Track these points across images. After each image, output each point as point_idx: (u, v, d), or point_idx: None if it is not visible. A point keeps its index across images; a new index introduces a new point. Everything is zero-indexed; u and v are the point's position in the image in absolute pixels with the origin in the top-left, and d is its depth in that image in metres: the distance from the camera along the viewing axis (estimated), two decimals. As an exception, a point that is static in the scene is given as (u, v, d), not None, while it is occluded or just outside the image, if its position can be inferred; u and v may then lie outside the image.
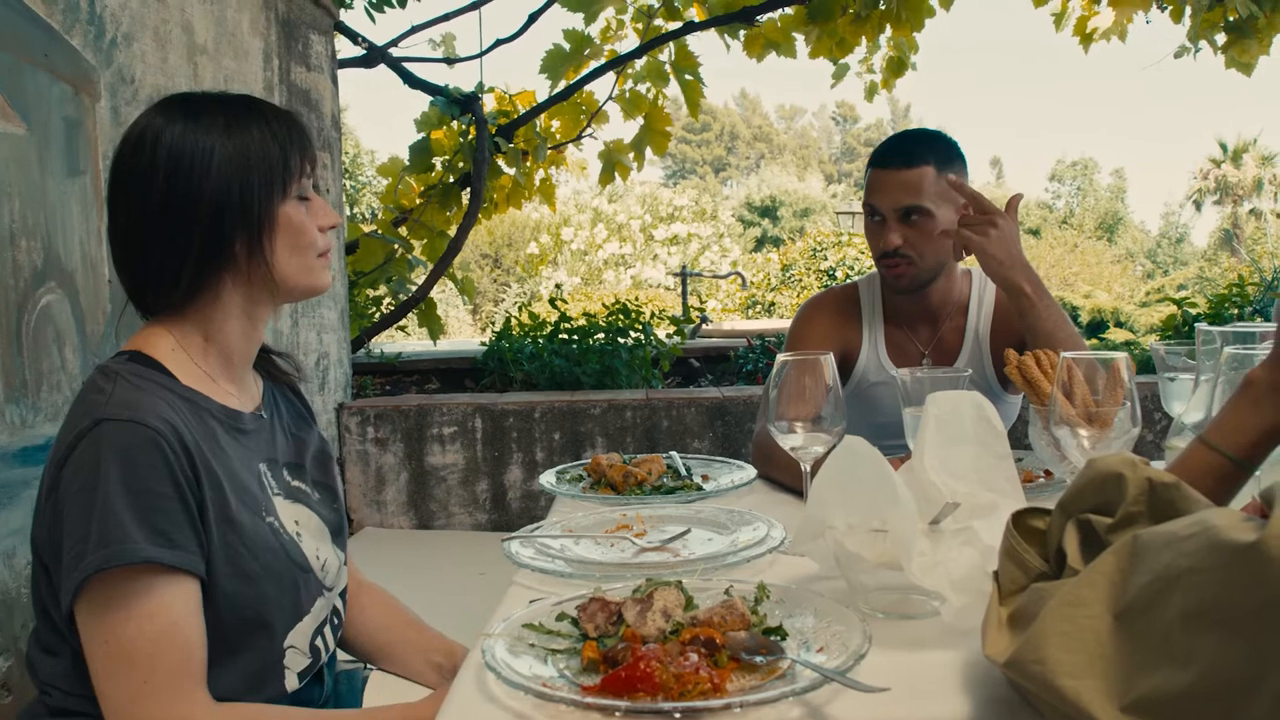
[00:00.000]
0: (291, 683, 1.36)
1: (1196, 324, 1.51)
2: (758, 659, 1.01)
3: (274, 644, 1.33)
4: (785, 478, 1.92)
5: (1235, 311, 5.64)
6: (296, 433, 1.50)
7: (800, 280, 16.89)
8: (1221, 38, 4.77)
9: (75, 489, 1.17)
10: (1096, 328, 10.71)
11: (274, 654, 1.33)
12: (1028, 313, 1.98)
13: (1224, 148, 36.69)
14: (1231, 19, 4.62)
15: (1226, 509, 0.80)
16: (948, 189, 2.13)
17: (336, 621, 1.48)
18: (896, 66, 5.71)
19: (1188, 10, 4.62)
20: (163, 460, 1.19)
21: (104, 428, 1.18)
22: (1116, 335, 9.80)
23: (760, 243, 32.32)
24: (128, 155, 1.29)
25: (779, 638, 1.08)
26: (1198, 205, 37.72)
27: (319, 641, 1.42)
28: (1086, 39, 5.16)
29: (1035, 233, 34.32)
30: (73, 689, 1.26)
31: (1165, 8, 4.70)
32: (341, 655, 1.62)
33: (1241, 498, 1.13)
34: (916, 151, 2.15)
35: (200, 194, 1.26)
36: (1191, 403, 1.43)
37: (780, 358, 1.52)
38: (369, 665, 1.65)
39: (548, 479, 1.93)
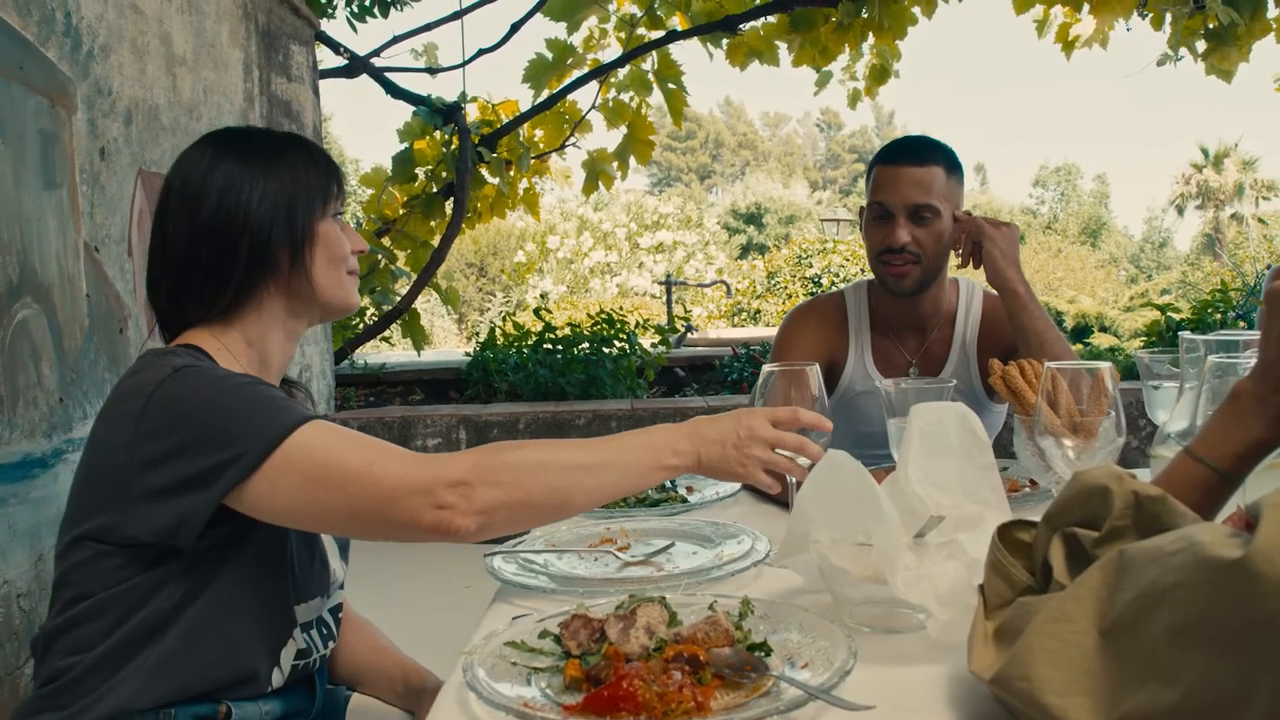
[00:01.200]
0: (287, 659, 1.39)
1: (1180, 332, 1.51)
2: (741, 676, 1.01)
3: (287, 607, 1.38)
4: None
5: (1218, 317, 5.67)
6: None
7: (785, 288, 16.92)
8: (1202, 45, 4.80)
9: (179, 414, 1.23)
10: (1081, 333, 10.76)
11: (287, 618, 1.38)
12: (1020, 313, 2.01)
13: (1205, 153, 36.95)
14: (1211, 26, 4.65)
15: (1212, 524, 0.80)
16: (952, 193, 2.16)
17: (326, 631, 1.49)
18: (879, 74, 5.72)
19: (1168, 18, 4.64)
20: (237, 374, 1.30)
21: (186, 372, 1.27)
22: (1101, 340, 9.85)
23: (745, 250, 32.37)
24: (179, 181, 1.41)
25: (763, 654, 1.07)
26: (1180, 210, 37.96)
27: (314, 635, 1.44)
28: (1069, 46, 5.18)
29: (1020, 238, 34.50)
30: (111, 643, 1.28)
31: (1146, 15, 4.72)
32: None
33: (1226, 508, 1.13)
34: (928, 151, 2.18)
35: (249, 210, 1.37)
36: (1176, 411, 1.43)
37: (766, 368, 1.51)
38: (350, 689, 1.65)
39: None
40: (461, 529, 1.19)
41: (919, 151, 2.18)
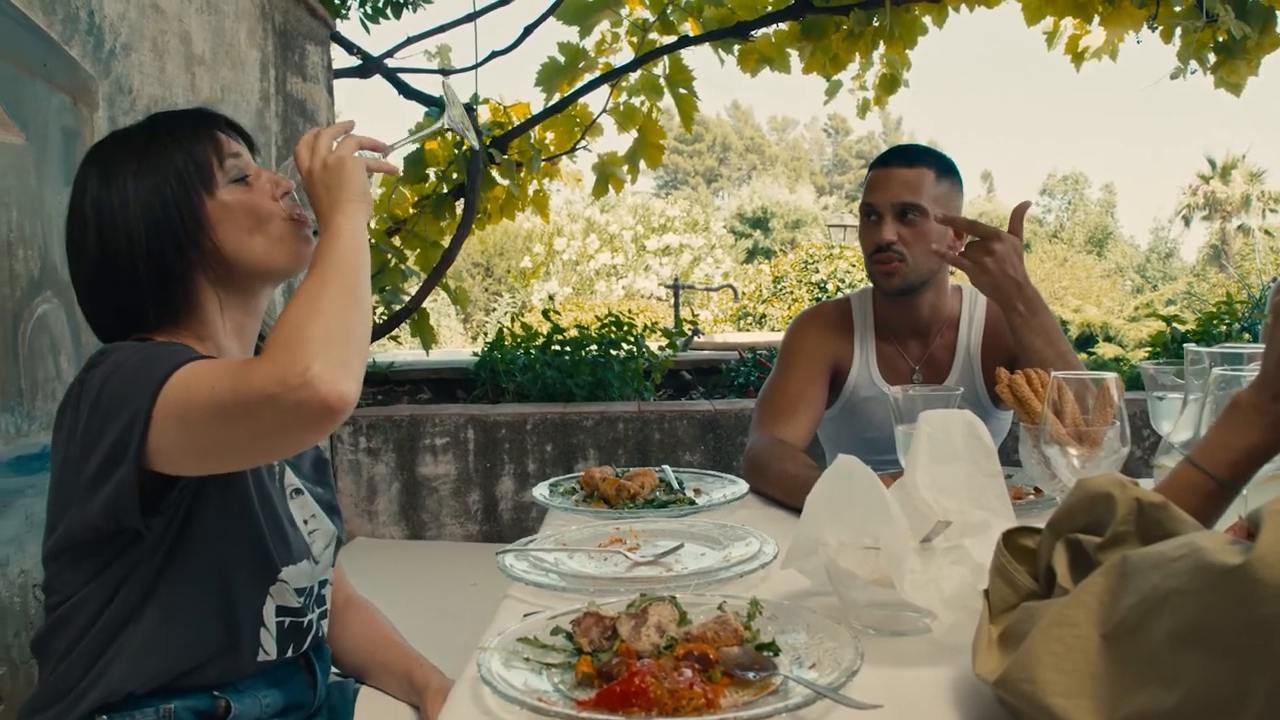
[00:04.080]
0: (270, 617, 1.39)
1: (1185, 344, 1.53)
2: (751, 675, 1.03)
3: (268, 566, 1.37)
4: (778, 492, 1.93)
5: (1224, 329, 5.67)
6: None
7: (791, 292, 16.93)
8: (1212, 58, 4.80)
9: (98, 390, 1.22)
10: (1086, 342, 10.74)
11: (267, 574, 1.37)
12: (1019, 330, 2.01)
13: (1213, 164, 36.87)
14: (1221, 40, 4.66)
15: (1213, 532, 0.82)
16: (943, 196, 2.18)
17: (320, 610, 1.50)
18: (889, 84, 5.73)
19: (1178, 31, 4.65)
20: (177, 346, 1.28)
21: (115, 350, 1.25)
22: (1105, 350, 9.83)
23: (752, 254, 32.35)
24: (68, 217, 1.37)
25: (772, 653, 1.09)
26: (1187, 221, 37.89)
27: (310, 602, 1.45)
28: (1078, 57, 5.18)
29: (1025, 246, 34.40)
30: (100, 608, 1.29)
31: (1156, 28, 4.72)
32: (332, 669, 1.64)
33: (1228, 517, 1.15)
34: (918, 155, 2.22)
35: (129, 230, 1.32)
36: (1180, 422, 1.45)
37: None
38: (358, 682, 1.67)
39: (541, 492, 1.94)
40: (328, 396, 1.12)
41: (908, 154, 2.23)
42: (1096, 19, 4.92)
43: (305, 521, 1.46)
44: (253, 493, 1.35)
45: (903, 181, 2.17)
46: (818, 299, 15.63)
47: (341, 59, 5.67)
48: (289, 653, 1.42)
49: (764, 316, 16.84)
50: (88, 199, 1.34)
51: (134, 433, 1.17)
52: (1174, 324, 5.82)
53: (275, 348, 1.15)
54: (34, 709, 1.33)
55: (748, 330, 15.90)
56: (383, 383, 5.85)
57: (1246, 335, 5.66)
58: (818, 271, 16.87)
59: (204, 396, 1.16)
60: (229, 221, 1.35)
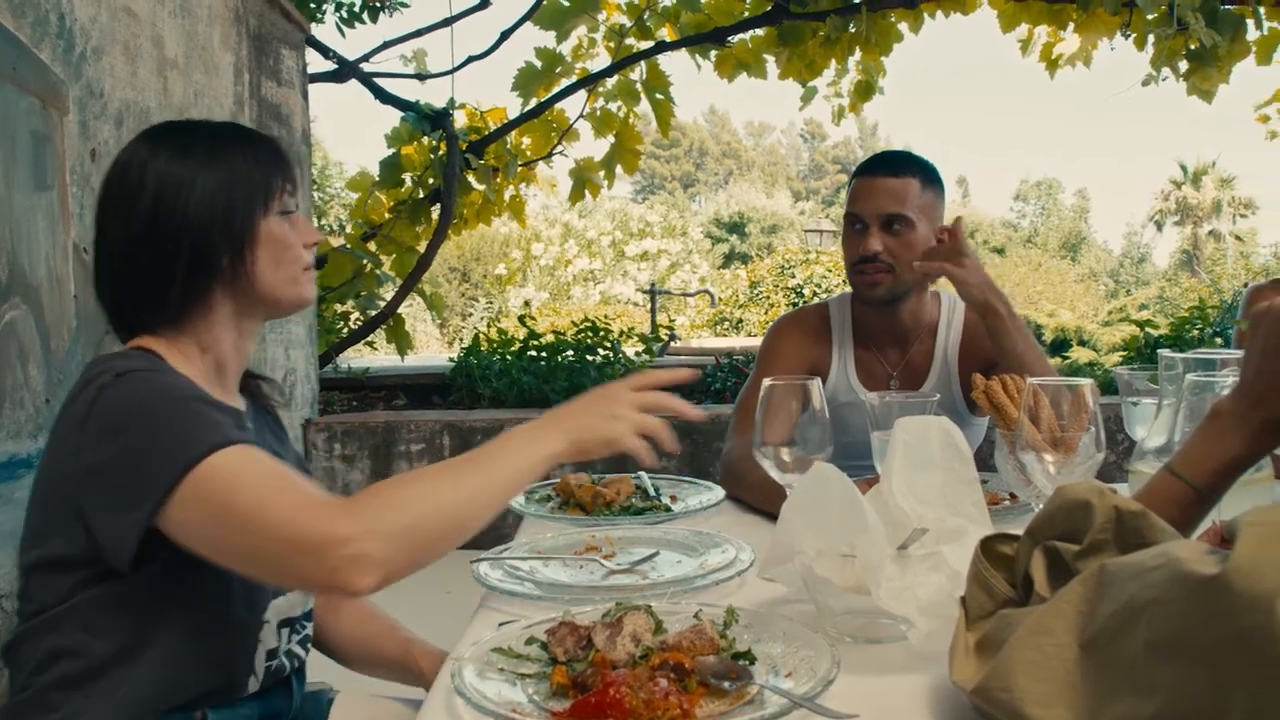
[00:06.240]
0: (261, 662, 1.38)
1: (1159, 350, 1.53)
2: (726, 684, 1.02)
3: (254, 610, 1.36)
4: (754, 499, 1.93)
5: (1196, 334, 5.71)
6: (276, 450, 1.52)
7: (768, 297, 16.96)
8: (1184, 65, 4.85)
9: (117, 423, 1.19)
10: (1060, 346, 10.81)
11: (255, 621, 1.36)
12: (1002, 335, 2.01)
13: (1184, 170, 37.26)
14: (1193, 47, 4.71)
15: (1190, 541, 0.82)
16: (929, 205, 2.18)
17: (302, 630, 1.49)
18: (864, 90, 5.76)
19: (1151, 38, 4.70)
20: (185, 385, 1.26)
21: (130, 377, 1.22)
22: (1079, 354, 9.90)
23: (728, 259, 32.39)
24: (117, 179, 1.36)
25: (747, 662, 1.08)
26: (1159, 226, 38.24)
27: (289, 636, 1.44)
28: (1052, 65, 5.23)
29: (1000, 251, 34.66)
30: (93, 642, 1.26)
31: (1129, 35, 4.77)
32: (310, 676, 1.62)
33: (1204, 523, 1.15)
34: (904, 163, 2.20)
35: (187, 210, 1.32)
36: (1154, 427, 1.46)
37: (766, 381, 1.51)
38: (334, 689, 1.65)
39: (516, 499, 1.93)
40: (361, 588, 1.11)
41: (894, 163, 2.21)
42: (1070, 26, 4.97)
43: None
44: None
45: (888, 191, 2.16)
46: (794, 304, 15.66)
47: (317, 63, 5.65)
48: (273, 682, 1.42)
49: (741, 321, 16.86)
50: (152, 168, 1.33)
51: (153, 491, 1.15)
52: (1147, 329, 5.87)
53: (368, 511, 1.13)
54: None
55: (725, 335, 15.91)
56: (358, 389, 5.81)
57: (1218, 339, 5.71)
58: (794, 276, 16.91)
59: (249, 504, 1.13)
60: (268, 247, 1.38)
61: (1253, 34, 4.85)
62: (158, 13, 2.85)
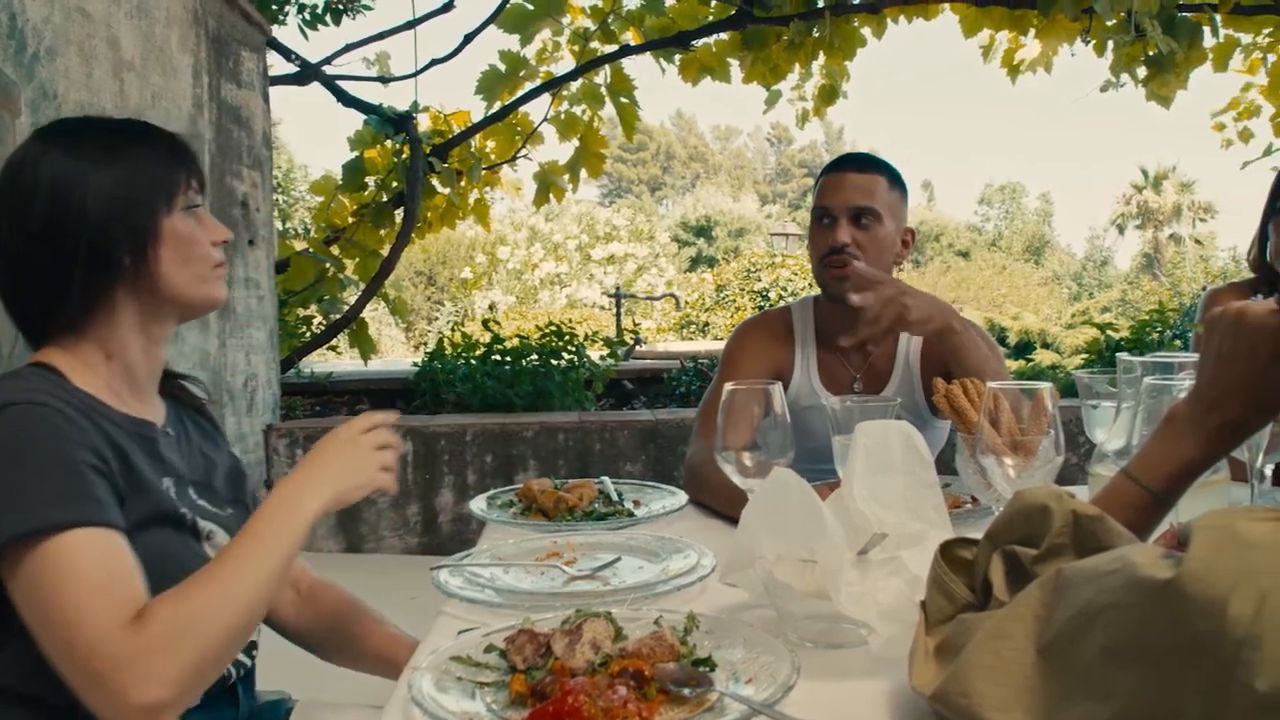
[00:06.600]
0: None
1: (1118, 354, 1.54)
2: (686, 691, 1.01)
3: None
4: (717, 503, 1.92)
5: (1156, 336, 5.78)
6: (206, 452, 1.49)
7: (734, 301, 17.02)
8: (1143, 71, 4.91)
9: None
10: (1024, 349, 10.92)
11: None
12: (959, 350, 2.01)
13: (1145, 174, 37.74)
14: (1151, 54, 4.76)
15: (1145, 545, 0.82)
16: (895, 205, 2.20)
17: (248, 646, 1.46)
18: (828, 94, 5.78)
19: (1110, 44, 4.75)
20: (64, 429, 1.18)
21: (6, 414, 1.17)
22: (1043, 357, 10.01)
23: (695, 262, 32.47)
24: (10, 178, 1.31)
25: (708, 669, 1.08)
26: (1121, 230, 38.72)
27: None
28: (1014, 70, 5.28)
29: (965, 255, 34.99)
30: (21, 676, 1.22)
31: (1089, 41, 4.82)
32: (267, 686, 1.59)
33: (1160, 526, 1.15)
34: (871, 162, 2.24)
35: (84, 207, 1.28)
36: (1113, 430, 1.46)
37: (727, 386, 1.51)
38: (293, 698, 1.62)
39: (479, 505, 1.91)
40: (154, 710, 1.08)
41: (862, 161, 2.25)
42: (1031, 32, 5.01)
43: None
44: (162, 563, 1.26)
45: (857, 186, 2.17)
46: (760, 307, 15.73)
47: (281, 66, 5.60)
48: (216, 691, 1.39)
49: (707, 325, 16.91)
50: (44, 166, 1.28)
51: None
52: (1109, 331, 5.92)
53: (157, 639, 1.09)
54: None
55: (691, 339, 15.95)
56: (321, 394, 5.77)
57: (1178, 342, 5.78)
58: (760, 280, 16.98)
59: (66, 612, 1.09)
60: (173, 245, 1.33)
61: (1209, 41, 4.93)
62: (113, 14, 2.81)
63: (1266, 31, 5.25)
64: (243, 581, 1.17)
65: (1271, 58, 5.50)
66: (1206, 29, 4.85)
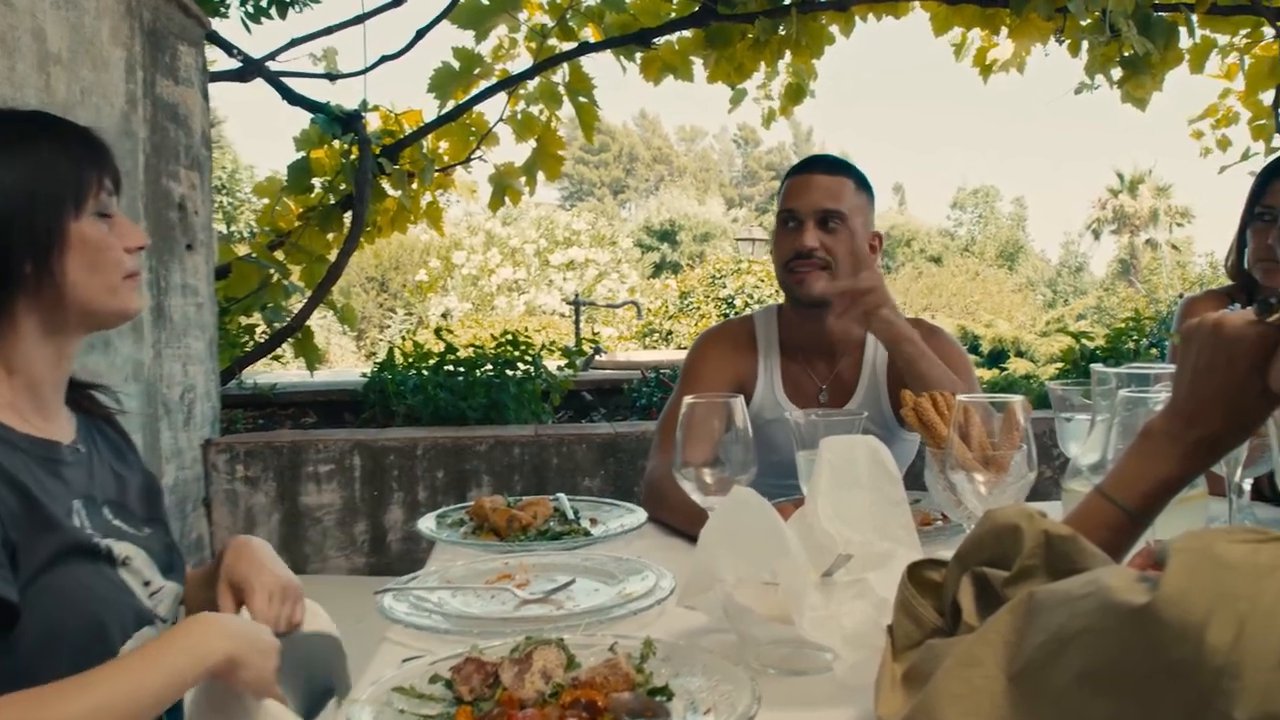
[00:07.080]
0: None
1: (1093, 365, 1.50)
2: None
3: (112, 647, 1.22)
4: (677, 521, 1.86)
5: (1132, 345, 5.76)
6: (117, 469, 1.41)
7: (699, 308, 17.00)
8: (1118, 72, 4.90)
9: None
10: (997, 357, 10.99)
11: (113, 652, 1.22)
12: (917, 361, 1.97)
13: (1121, 178, 37.96)
14: (1126, 55, 4.75)
15: (1119, 568, 0.80)
16: (861, 208, 2.17)
17: None
18: (795, 93, 5.73)
19: (1084, 45, 4.73)
20: None
21: None
22: (1017, 366, 10.06)
23: (659, 268, 32.42)
24: None
25: (665, 699, 1.04)
26: (1096, 235, 38.98)
27: None
28: (986, 70, 5.26)
29: (937, 260, 35.09)
30: None
31: (1063, 41, 4.80)
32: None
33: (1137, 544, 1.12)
34: (837, 165, 2.22)
35: None
36: (1088, 444, 1.43)
37: (687, 399, 1.46)
38: None
39: (427, 524, 1.84)
40: None
41: (829, 163, 2.22)
42: (1004, 31, 4.99)
43: (146, 584, 1.31)
44: (75, 598, 1.20)
45: (824, 188, 2.14)
46: (725, 315, 15.72)
47: (222, 61, 5.46)
48: None
49: (670, 333, 16.87)
50: None
51: None
52: (1084, 340, 5.89)
53: None
54: None
55: (654, 348, 15.90)
56: (264, 406, 5.62)
57: (1155, 350, 5.74)
58: (725, 287, 16.96)
59: None
60: (81, 252, 1.25)
61: (1185, 42, 4.90)
62: (38, 4, 2.70)
63: (1244, 32, 5.24)
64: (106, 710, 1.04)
65: (1248, 59, 5.50)
66: (1183, 29, 4.83)
